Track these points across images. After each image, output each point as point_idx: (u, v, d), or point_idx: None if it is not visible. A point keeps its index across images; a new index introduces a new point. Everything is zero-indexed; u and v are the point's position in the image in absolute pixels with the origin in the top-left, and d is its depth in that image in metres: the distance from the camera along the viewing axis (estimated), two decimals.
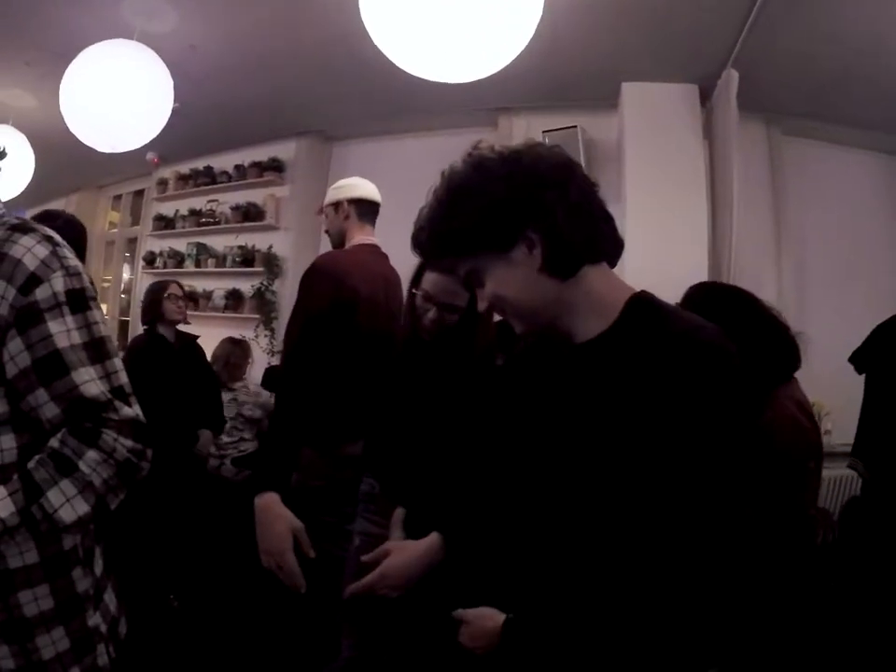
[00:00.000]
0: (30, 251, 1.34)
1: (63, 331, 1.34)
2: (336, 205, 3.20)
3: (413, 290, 2.39)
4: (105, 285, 9.99)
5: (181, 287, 4.67)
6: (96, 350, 1.39)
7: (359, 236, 3.13)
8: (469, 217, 1.30)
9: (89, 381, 1.35)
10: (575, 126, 5.20)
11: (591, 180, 1.36)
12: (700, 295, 2.55)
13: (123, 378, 1.44)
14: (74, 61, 4.11)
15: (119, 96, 4.11)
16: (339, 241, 3.22)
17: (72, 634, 1.45)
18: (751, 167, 5.21)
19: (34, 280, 1.33)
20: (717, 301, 2.52)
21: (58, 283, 1.35)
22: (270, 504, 2.21)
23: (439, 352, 2.38)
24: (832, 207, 5.61)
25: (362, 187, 3.23)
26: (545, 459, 1.36)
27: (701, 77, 4.99)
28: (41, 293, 1.33)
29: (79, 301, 1.39)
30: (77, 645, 1.46)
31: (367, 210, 3.19)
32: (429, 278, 2.32)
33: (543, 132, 5.21)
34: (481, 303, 1.44)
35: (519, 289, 1.32)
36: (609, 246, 1.37)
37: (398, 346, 2.52)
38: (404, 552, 1.86)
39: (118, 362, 1.44)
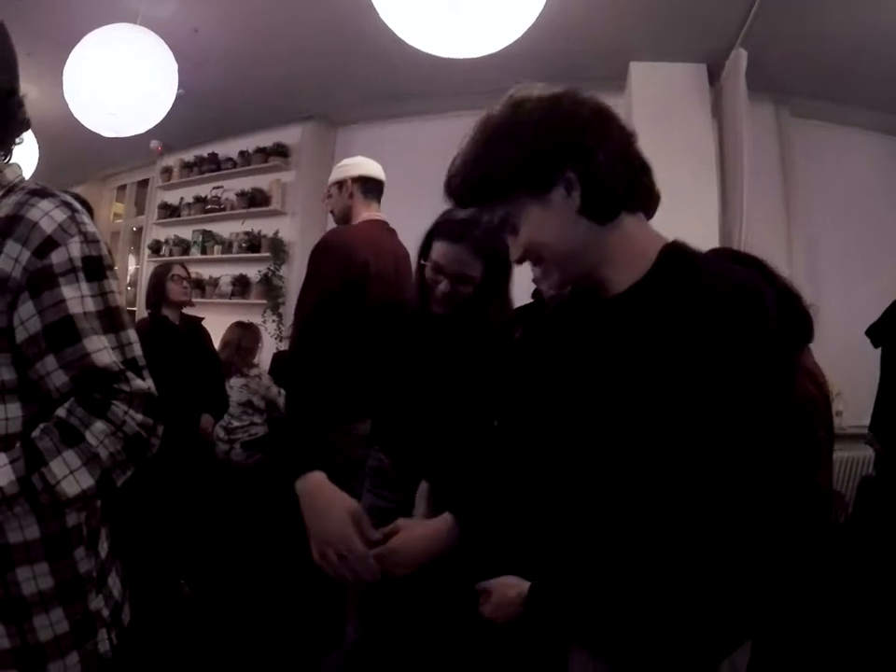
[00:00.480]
0: (48, 214, 1.30)
1: (76, 297, 1.29)
2: (340, 184, 3.20)
3: (422, 262, 2.27)
4: None
5: (185, 268, 4.61)
6: (110, 319, 1.35)
7: (365, 213, 3.13)
8: (507, 157, 1.26)
9: (101, 349, 1.30)
10: None
11: (628, 130, 1.31)
12: None
13: (137, 350, 1.40)
14: (77, 45, 4.08)
15: (123, 80, 4.08)
16: (343, 220, 3.22)
17: (71, 616, 1.40)
18: (761, 147, 5.15)
19: (50, 243, 1.28)
20: None
21: (75, 248, 1.31)
22: (319, 486, 1.79)
23: (452, 325, 2.30)
24: (841, 189, 5.58)
25: (366, 165, 3.23)
26: (574, 419, 1.32)
27: (709, 57, 4.96)
28: (57, 257, 1.28)
29: (96, 268, 1.35)
30: (77, 629, 1.41)
31: (372, 188, 3.19)
32: (439, 248, 2.20)
33: None
34: (514, 252, 1.36)
35: (556, 233, 1.28)
36: (646, 196, 1.34)
37: (408, 321, 2.41)
38: (414, 530, 1.73)
39: (132, 334, 1.40)
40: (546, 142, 1.24)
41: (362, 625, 2.52)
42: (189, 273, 4.63)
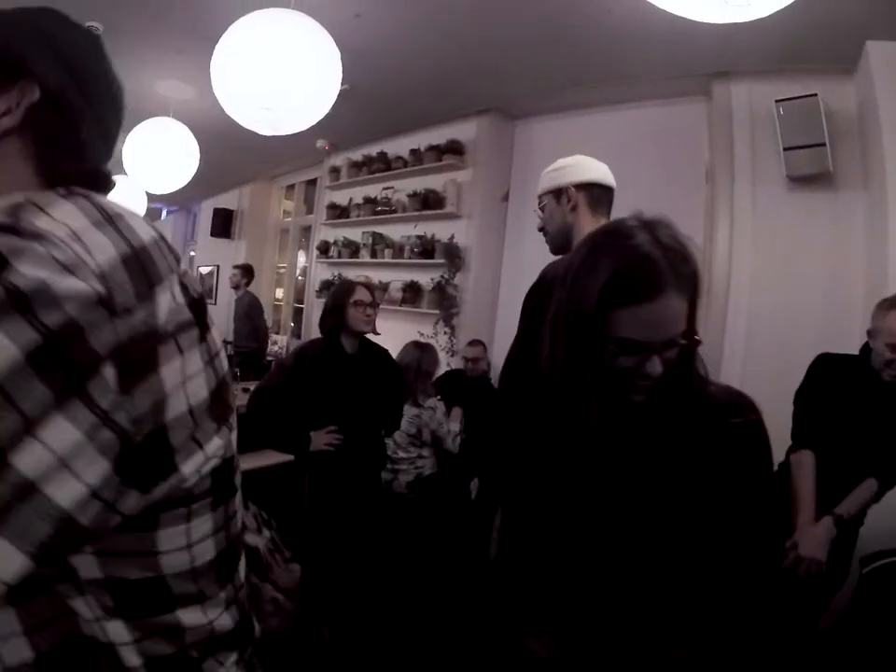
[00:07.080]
0: None
1: None
2: (558, 193, 2.44)
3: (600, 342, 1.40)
4: (281, 271, 10.74)
5: (371, 290, 3.90)
6: None
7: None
8: None
9: None
10: (815, 94, 4.32)
11: None
12: None
13: None
14: (225, 33, 3.59)
15: (277, 71, 3.56)
16: (562, 240, 2.47)
17: None
18: None
19: None
20: None
21: None
22: None
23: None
24: None
25: (593, 167, 2.48)
26: None
27: None
28: None
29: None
30: None
31: (601, 197, 2.44)
32: (641, 314, 1.36)
33: (776, 101, 4.39)
34: None
35: None
36: None
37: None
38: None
39: None
40: None
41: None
42: (374, 296, 3.90)
